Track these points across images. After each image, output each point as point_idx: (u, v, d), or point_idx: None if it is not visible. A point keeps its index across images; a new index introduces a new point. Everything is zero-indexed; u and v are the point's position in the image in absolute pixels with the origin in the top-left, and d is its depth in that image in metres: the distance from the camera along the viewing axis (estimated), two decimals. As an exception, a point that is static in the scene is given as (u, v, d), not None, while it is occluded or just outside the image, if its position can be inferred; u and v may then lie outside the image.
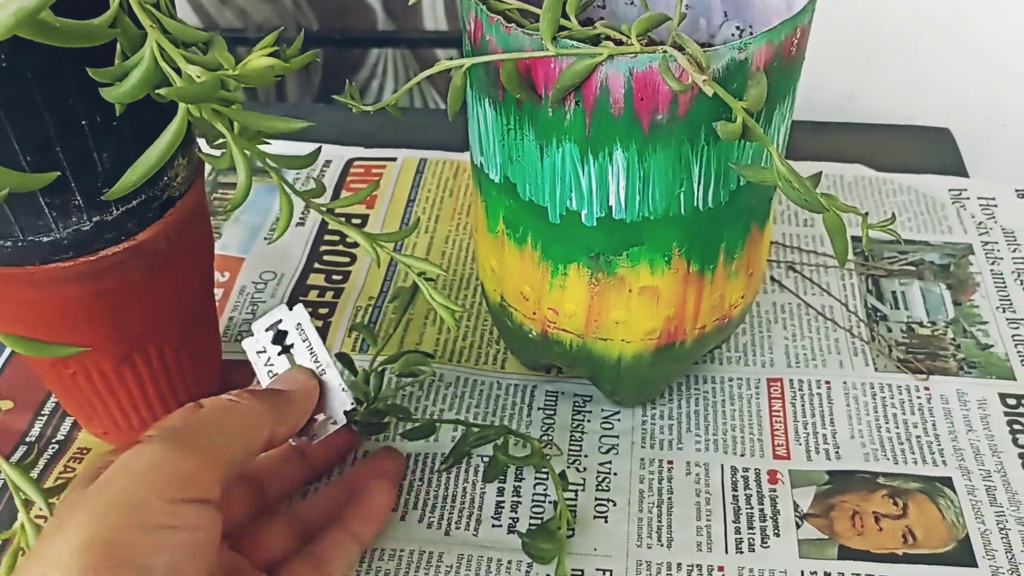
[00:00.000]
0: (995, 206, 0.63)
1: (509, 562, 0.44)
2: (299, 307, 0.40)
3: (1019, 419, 0.50)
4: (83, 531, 0.30)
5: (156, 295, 0.42)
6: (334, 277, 0.59)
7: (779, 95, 0.40)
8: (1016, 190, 0.64)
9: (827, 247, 0.60)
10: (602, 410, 0.51)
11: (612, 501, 0.46)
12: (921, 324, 0.55)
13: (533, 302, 0.46)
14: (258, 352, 0.41)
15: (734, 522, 0.45)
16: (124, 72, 0.33)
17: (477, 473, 0.48)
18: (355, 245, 0.61)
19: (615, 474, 0.48)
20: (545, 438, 0.49)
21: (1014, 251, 0.60)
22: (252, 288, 0.58)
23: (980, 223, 0.62)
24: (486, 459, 0.48)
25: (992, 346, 0.54)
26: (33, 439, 0.50)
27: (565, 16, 0.39)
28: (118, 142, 0.37)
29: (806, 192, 0.36)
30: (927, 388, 0.51)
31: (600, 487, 0.47)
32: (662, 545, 0.44)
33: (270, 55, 0.34)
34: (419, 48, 0.99)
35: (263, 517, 0.42)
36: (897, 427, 0.49)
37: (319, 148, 0.40)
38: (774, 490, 0.47)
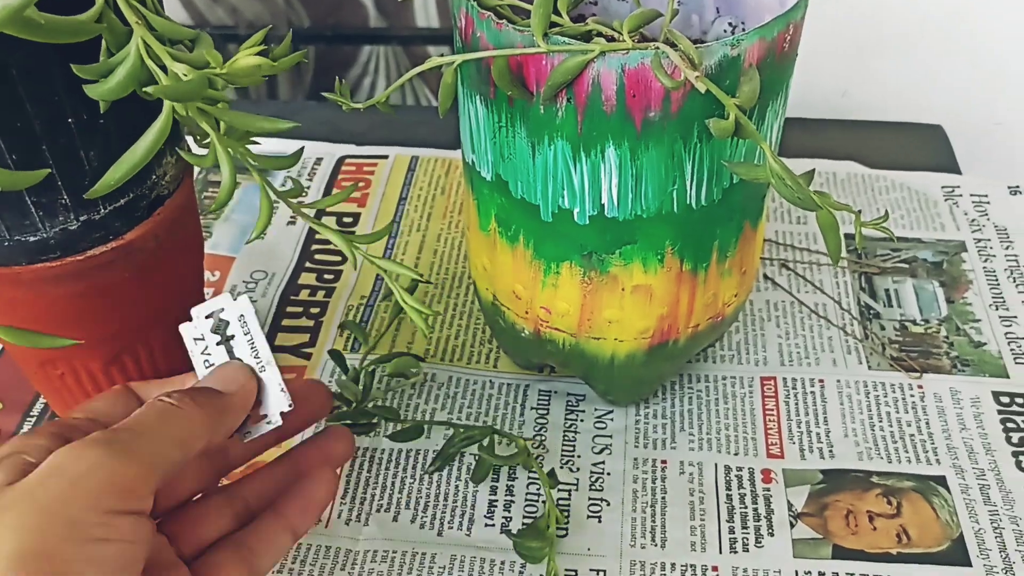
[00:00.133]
0: (988, 203, 0.63)
1: (503, 563, 0.44)
2: (243, 298, 0.38)
3: (1012, 417, 0.49)
4: (17, 539, 0.29)
5: (145, 295, 0.42)
6: (326, 276, 0.58)
7: (772, 92, 0.39)
8: (1009, 187, 0.64)
9: (820, 244, 0.60)
10: (595, 409, 0.50)
11: (605, 501, 0.46)
12: (914, 322, 0.55)
13: (525, 301, 0.45)
14: (195, 339, 0.39)
15: (728, 521, 0.45)
16: (109, 69, 0.33)
17: (469, 472, 0.47)
18: (346, 244, 0.60)
19: (608, 474, 0.47)
20: (538, 437, 0.49)
21: (1007, 248, 0.60)
22: (243, 287, 0.58)
23: (973, 220, 0.62)
24: (478, 455, 0.47)
25: (985, 344, 0.53)
26: (21, 440, 0.49)
27: (557, 12, 0.39)
28: (105, 140, 0.36)
29: (799, 190, 0.36)
30: (920, 386, 0.51)
31: (593, 487, 0.47)
32: (656, 545, 0.44)
33: (259, 54, 0.33)
34: (411, 45, 0.98)
35: (200, 497, 0.41)
36: (891, 426, 0.49)
37: (302, 148, 0.39)
38: (768, 489, 0.46)
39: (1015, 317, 0.55)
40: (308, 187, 0.65)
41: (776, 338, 0.54)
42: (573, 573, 0.43)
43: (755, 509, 0.45)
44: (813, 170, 0.38)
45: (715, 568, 0.43)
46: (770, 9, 0.44)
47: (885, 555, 0.43)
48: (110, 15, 0.33)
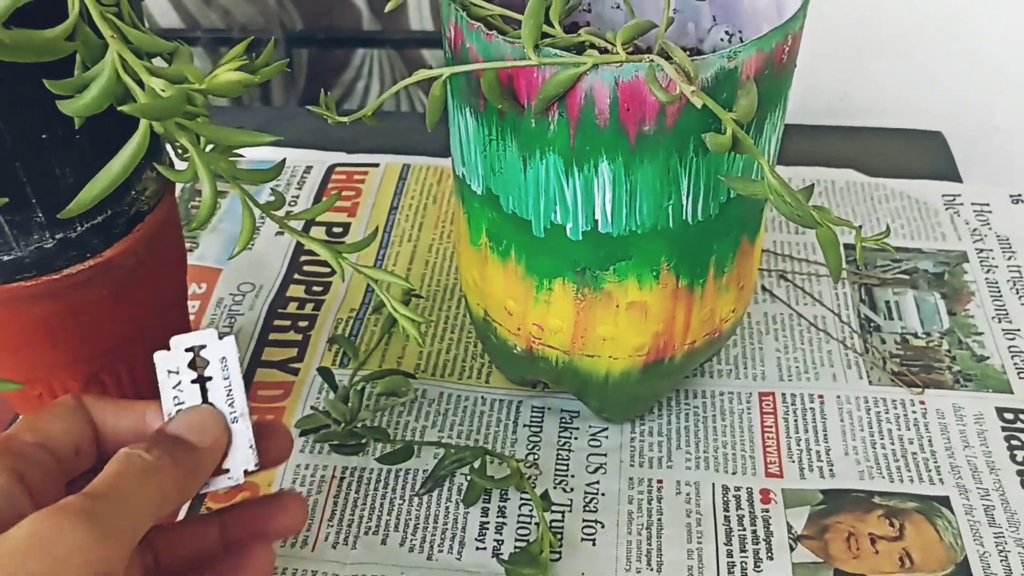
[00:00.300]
0: (989, 212, 0.62)
1: (493, 587, 0.43)
2: (229, 339, 0.36)
3: (1017, 435, 0.48)
4: None
5: (125, 313, 0.41)
6: (314, 288, 0.57)
7: (770, 104, 0.38)
8: (1011, 195, 0.63)
9: (819, 255, 0.59)
10: (589, 427, 0.49)
11: (600, 523, 0.45)
12: (916, 335, 0.54)
13: (517, 317, 0.44)
14: (170, 371, 0.36)
15: (726, 544, 0.44)
16: (83, 84, 0.31)
17: (460, 492, 0.46)
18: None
19: (603, 494, 0.46)
20: (531, 457, 0.48)
21: (1009, 259, 0.59)
22: (230, 300, 0.56)
23: (974, 230, 0.61)
24: (470, 477, 0.46)
25: (988, 358, 0.52)
26: (1, 459, 0.48)
27: (548, 22, 0.38)
28: (81, 156, 0.35)
29: (798, 207, 0.35)
30: (923, 402, 0.50)
31: (587, 508, 0.46)
32: (652, 569, 0.43)
33: (243, 65, 0.32)
34: (405, 48, 0.97)
35: None
36: (892, 443, 0.48)
37: (283, 160, 0.38)
38: (767, 510, 0.45)
39: (1018, 330, 0.54)
40: (297, 196, 0.64)
41: (775, 352, 0.53)
42: (567, 598, 0.42)
43: (754, 531, 0.44)
44: (812, 185, 0.37)
45: (712, 592, 0.42)
46: (768, 17, 0.43)
47: (887, 579, 0.42)
48: (84, 28, 0.31)
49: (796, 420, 0.49)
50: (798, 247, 0.60)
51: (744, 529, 0.44)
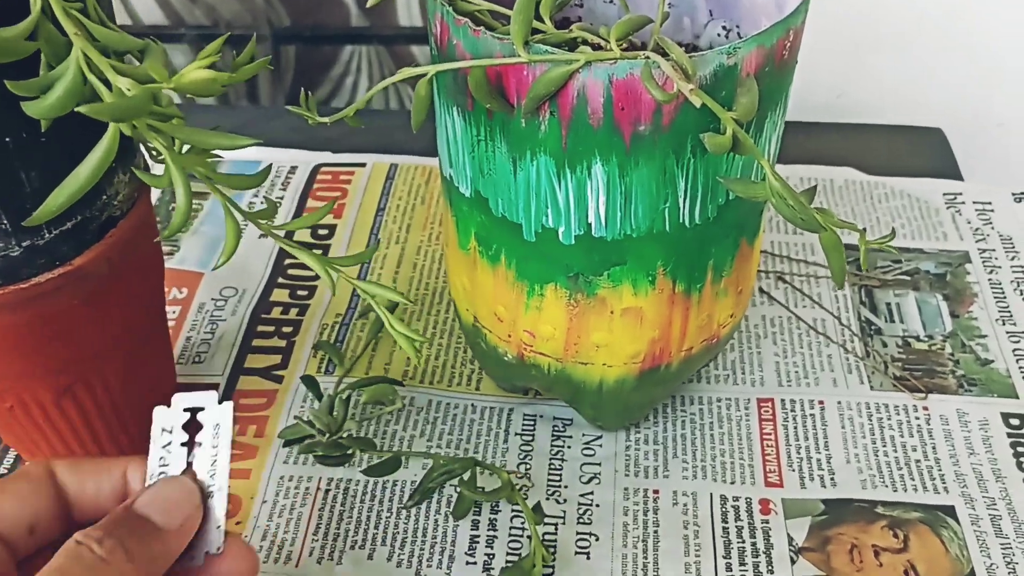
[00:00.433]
0: (991, 211, 0.60)
1: (484, 604, 0.41)
2: (228, 405, 0.34)
3: (1023, 441, 0.47)
4: None
5: (98, 322, 0.39)
6: (299, 293, 0.55)
7: (771, 102, 0.37)
8: (1013, 194, 0.62)
9: (818, 255, 0.58)
10: (583, 435, 0.48)
11: (594, 535, 0.43)
12: (918, 338, 0.52)
13: (508, 324, 0.43)
14: (164, 429, 0.34)
15: (724, 557, 0.42)
16: (48, 84, 0.30)
17: (450, 505, 0.45)
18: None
19: (597, 505, 0.45)
20: (523, 467, 0.46)
21: (1012, 259, 0.57)
22: (212, 305, 0.55)
23: (976, 229, 0.59)
24: (460, 493, 0.45)
25: (992, 361, 0.51)
26: (-27, 472, 0.46)
27: (539, 18, 0.36)
28: (47, 160, 0.33)
29: (801, 210, 0.33)
30: (926, 408, 0.48)
31: (581, 520, 0.44)
32: (648, 584, 0.42)
33: (215, 64, 0.31)
34: (394, 45, 0.95)
35: None
36: (895, 451, 0.46)
37: (269, 166, 0.36)
38: (767, 521, 0.44)
39: (1023, 332, 0.52)
40: (281, 197, 0.62)
41: (773, 356, 0.51)
42: (560, 615, 0.41)
43: (753, 544, 0.43)
44: (815, 187, 0.35)
45: (711, 608, 0.41)
46: (766, 12, 0.41)
47: (891, 592, 0.41)
48: (47, 26, 0.30)
49: (796, 427, 0.48)
50: (796, 248, 0.58)
51: (743, 541, 0.43)
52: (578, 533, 0.44)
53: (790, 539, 0.43)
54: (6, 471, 0.47)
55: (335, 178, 0.63)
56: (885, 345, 0.52)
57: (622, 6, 0.42)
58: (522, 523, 0.44)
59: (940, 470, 0.46)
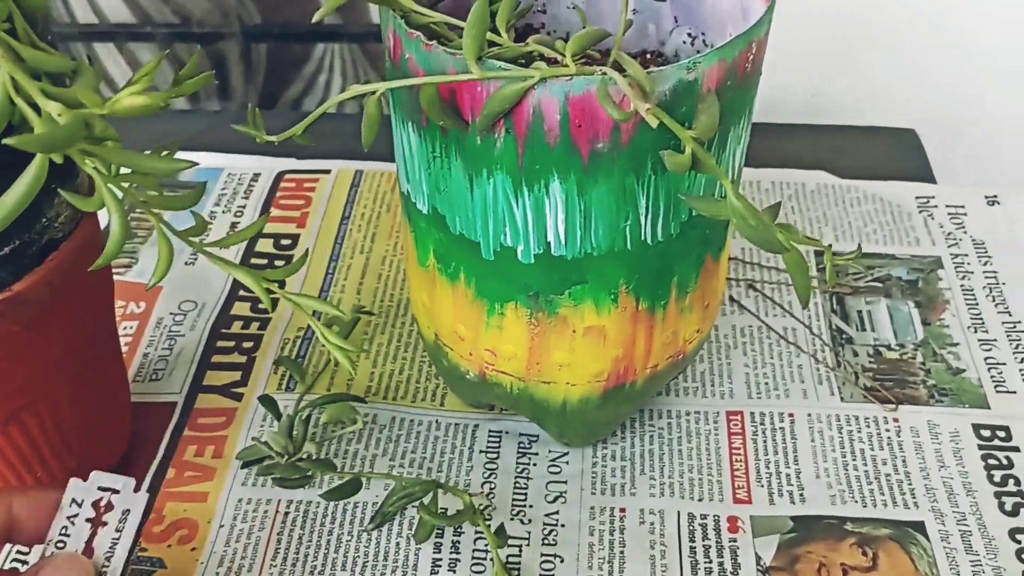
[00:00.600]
0: (964, 215, 0.60)
1: (446, 630, 0.40)
2: (142, 496, 0.35)
3: (994, 453, 0.46)
4: None
5: (42, 348, 0.38)
6: (260, 306, 0.54)
7: (733, 117, 0.36)
8: (986, 196, 0.61)
9: (789, 262, 0.57)
10: (549, 451, 0.47)
11: (559, 557, 0.42)
12: (889, 347, 0.52)
13: (469, 342, 0.41)
14: (74, 500, 0.34)
15: (692, 578, 0.42)
16: (-27, 108, 0.28)
17: (412, 527, 0.44)
18: (284, 269, 0.56)
19: (563, 525, 0.44)
20: (487, 486, 0.45)
21: (984, 264, 0.56)
22: (170, 320, 0.53)
23: (949, 233, 0.58)
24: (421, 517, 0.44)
25: (964, 371, 0.50)
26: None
27: (496, 30, 0.35)
28: (-21, 184, 0.32)
29: (764, 230, 0.32)
30: (896, 420, 0.48)
31: (546, 541, 0.43)
32: (613, 607, 0.41)
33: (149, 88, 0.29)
34: (365, 42, 0.94)
35: None
36: (865, 464, 0.46)
37: (204, 184, 0.35)
38: (734, 540, 0.43)
39: (995, 340, 0.52)
40: (243, 207, 0.60)
41: (743, 367, 0.51)
42: (524, 640, 0.40)
43: (720, 563, 0.42)
44: (779, 204, 0.34)
45: (678, 631, 0.40)
46: (732, 19, 0.40)
47: (861, 612, 0.40)
48: (-28, 46, 0.28)
49: (765, 441, 0.47)
50: (767, 255, 0.57)
51: (711, 561, 0.42)
52: (543, 555, 0.43)
53: (758, 558, 0.42)
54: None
55: (299, 185, 0.62)
56: (856, 355, 0.51)
57: (582, 19, 0.41)
58: (486, 545, 0.43)
59: (910, 484, 0.45)
